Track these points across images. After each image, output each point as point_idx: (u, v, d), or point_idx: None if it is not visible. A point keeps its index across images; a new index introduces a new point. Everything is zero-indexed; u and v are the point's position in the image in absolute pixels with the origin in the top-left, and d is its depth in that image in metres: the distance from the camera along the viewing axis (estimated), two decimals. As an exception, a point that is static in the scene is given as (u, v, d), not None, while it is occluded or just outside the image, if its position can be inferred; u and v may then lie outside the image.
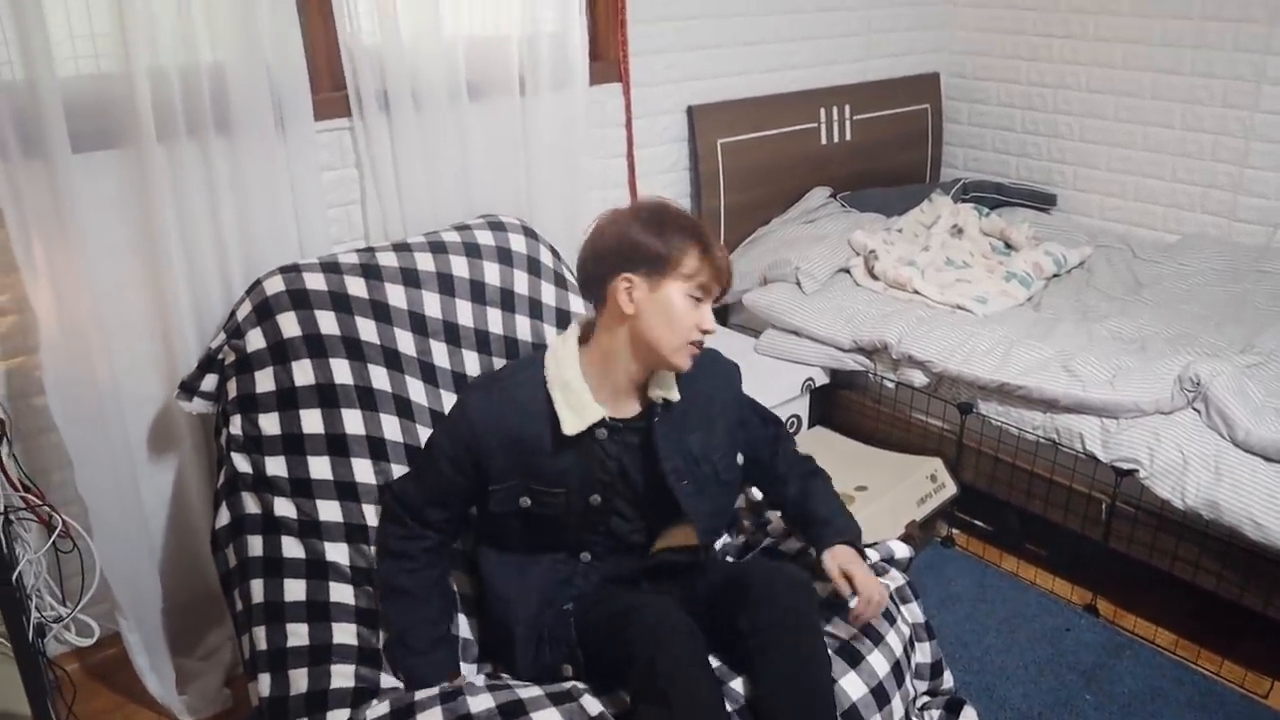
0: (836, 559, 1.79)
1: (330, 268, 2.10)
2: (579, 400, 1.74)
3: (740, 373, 1.96)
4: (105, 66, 1.99)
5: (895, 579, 2.01)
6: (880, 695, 1.74)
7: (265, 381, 1.99)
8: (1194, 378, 2.31)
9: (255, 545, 1.90)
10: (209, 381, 2.06)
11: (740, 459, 1.98)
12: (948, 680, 2.09)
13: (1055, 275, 3.12)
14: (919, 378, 2.71)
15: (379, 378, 2.04)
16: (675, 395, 1.81)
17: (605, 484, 1.80)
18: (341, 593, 1.84)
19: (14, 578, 1.47)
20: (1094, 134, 3.52)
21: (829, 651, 1.71)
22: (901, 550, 2.04)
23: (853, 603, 1.74)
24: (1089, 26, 3.45)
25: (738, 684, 1.67)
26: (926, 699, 2.01)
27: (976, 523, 2.78)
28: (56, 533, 1.79)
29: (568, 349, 1.80)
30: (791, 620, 1.65)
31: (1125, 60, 3.39)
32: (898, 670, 1.81)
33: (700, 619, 1.67)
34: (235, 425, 1.98)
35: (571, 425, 1.73)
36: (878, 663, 1.77)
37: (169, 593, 2.26)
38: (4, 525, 1.76)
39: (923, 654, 2.00)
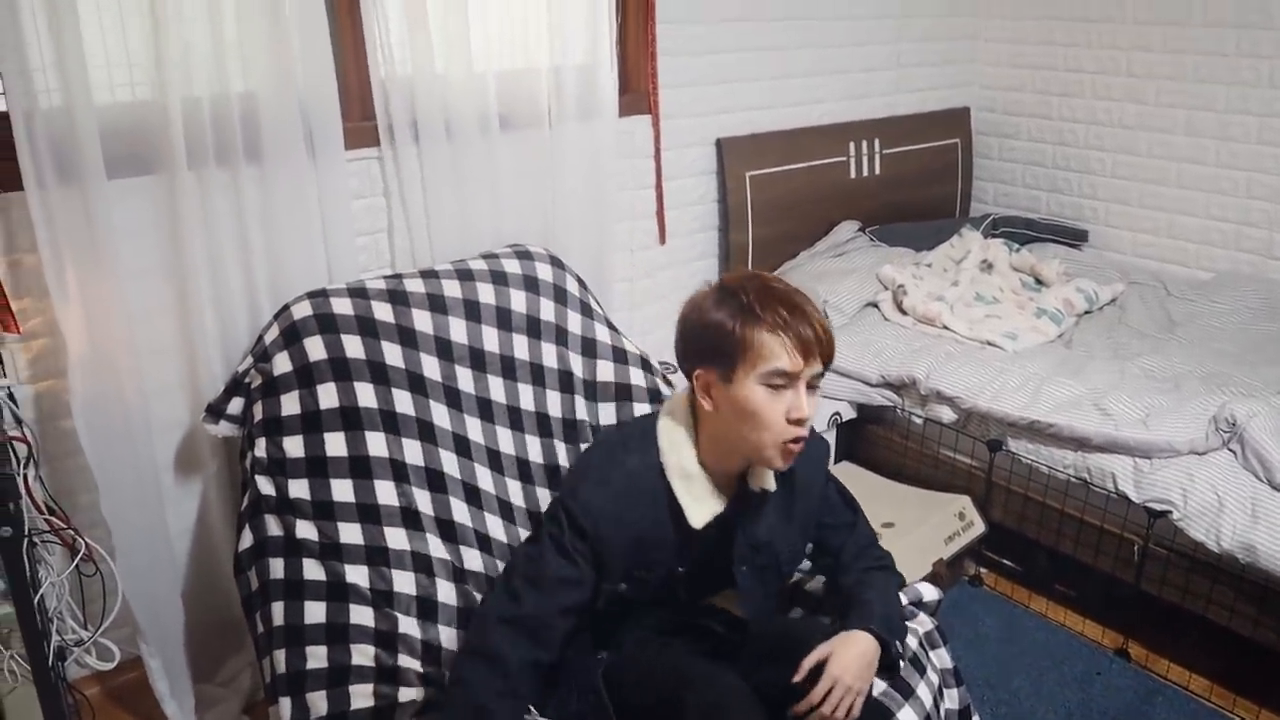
0: (843, 640, 1.59)
1: (358, 293, 2.11)
2: (702, 491, 1.62)
3: (829, 451, 1.84)
4: (140, 94, 2.02)
5: (924, 623, 1.97)
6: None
7: (290, 404, 2.00)
8: (1229, 418, 2.27)
9: (277, 568, 1.90)
10: (235, 405, 2.07)
11: (810, 546, 1.88)
12: (974, 726, 2.05)
13: (1087, 312, 3.08)
14: (947, 414, 2.68)
15: (403, 401, 2.04)
16: (772, 485, 1.67)
17: (694, 560, 1.69)
18: (361, 615, 1.83)
19: (36, 602, 1.47)
20: (1126, 170, 3.49)
21: None
22: (930, 593, 2.00)
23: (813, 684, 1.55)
24: (1121, 62, 3.43)
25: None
26: (953, 743, 1.97)
27: (1005, 562, 2.73)
28: (80, 556, 1.80)
29: (680, 434, 1.64)
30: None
31: (1158, 96, 3.36)
32: (933, 723, 1.77)
33: (744, 670, 1.63)
34: (260, 448, 1.99)
35: (699, 518, 1.61)
36: (908, 718, 1.73)
37: (190, 618, 2.26)
38: (28, 548, 1.76)
39: (951, 700, 1.95)
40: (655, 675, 1.63)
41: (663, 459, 1.62)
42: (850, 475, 2.88)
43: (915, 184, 3.65)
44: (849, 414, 2.88)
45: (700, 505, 1.62)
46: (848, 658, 1.56)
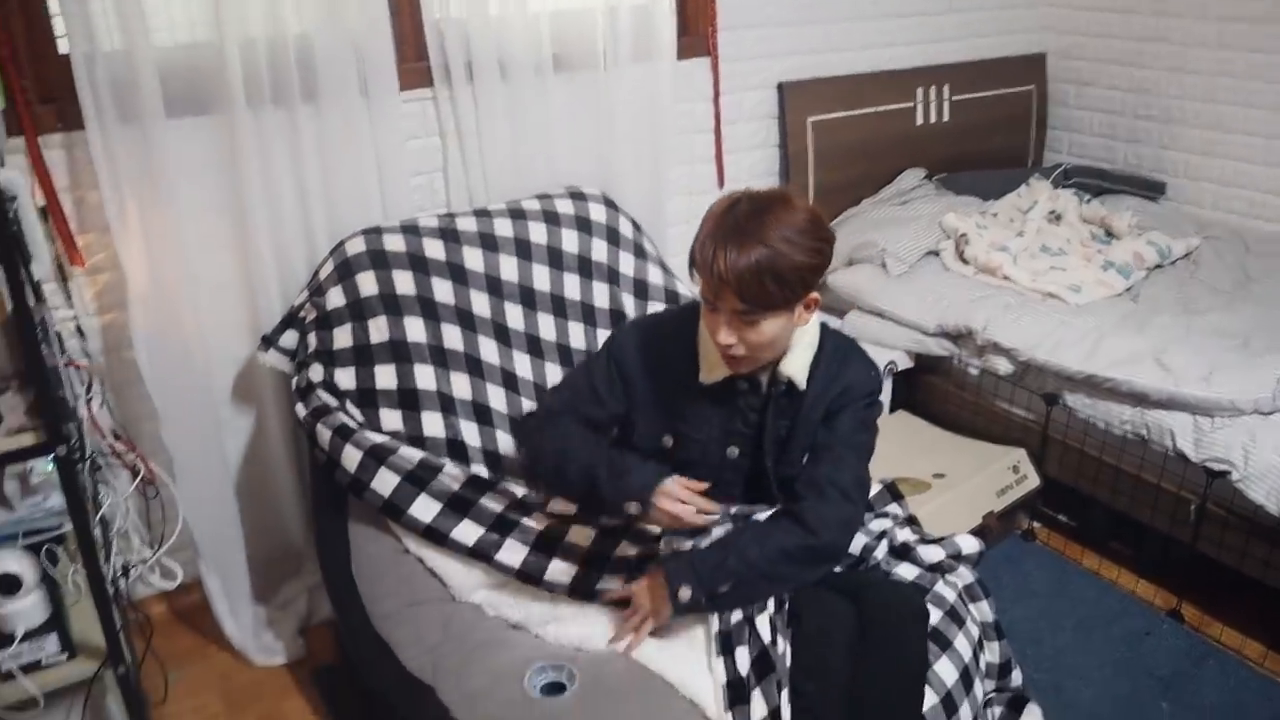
0: (644, 580, 1.75)
1: (410, 230, 2.15)
2: (715, 358, 1.76)
3: (872, 376, 1.83)
4: (198, 36, 2.06)
5: (964, 576, 1.95)
6: (949, 705, 1.70)
7: (343, 338, 2.06)
8: (1296, 377, 2.19)
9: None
10: (289, 338, 2.13)
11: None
12: (1016, 679, 2.02)
13: (1158, 266, 2.98)
14: (1004, 365, 2.63)
15: (452, 337, 2.09)
16: (801, 381, 1.77)
17: (745, 438, 1.81)
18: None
19: (94, 520, 1.54)
20: (1211, 120, 3.33)
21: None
22: (970, 545, 1.98)
23: None
24: (1209, 6, 3.26)
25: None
26: (992, 695, 1.96)
27: (1060, 517, 2.68)
28: (140, 479, 1.88)
29: None
30: (901, 631, 1.68)
31: (1248, 41, 3.20)
32: (966, 677, 1.76)
33: None
34: (315, 373, 2.05)
35: (706, 375, 1.78)
36: (946, 671, 1.72)
37: (248, 544, 2.35)
38: (90, 469, 1.86)
39: (991, 654, 1.94)
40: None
41: (702, 324, 1.76)
42: (905, 425, 2.85)
43: (985, 132, 3.55)
44: (905, 363, 2.84)
45: (709, 368, 1.77)
46: (639, 588, 1.75)
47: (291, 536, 2.48)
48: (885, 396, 2.87)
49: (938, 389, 2.88)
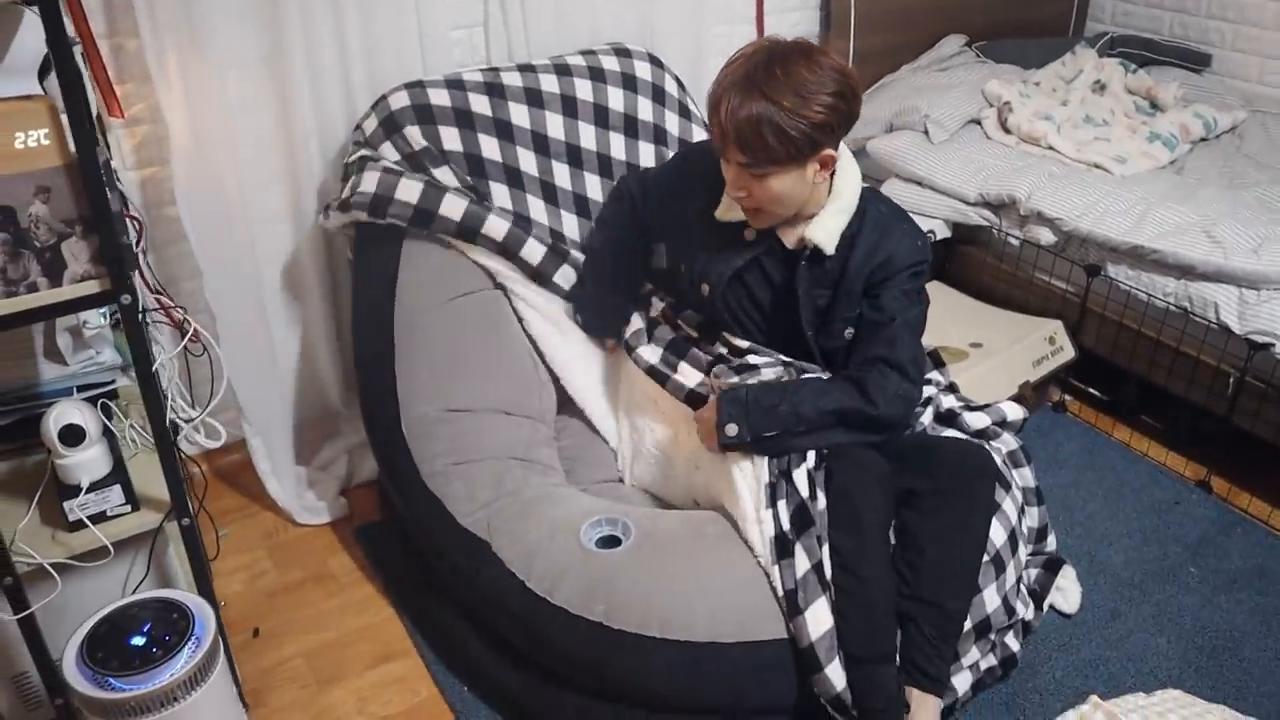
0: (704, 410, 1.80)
1: (455, 85, 2.09)
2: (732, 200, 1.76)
3: (918, 246, 1.78)
4: None
5: (1008, 442, 1.97)
6: (998, 564, 1.75)
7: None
8: (1349, 250, 2.17)
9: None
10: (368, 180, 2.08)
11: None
12: (1051, 543, 2.08)
13: (1203, 139, 2.93)
14: (1046, 236, 2.60)
15: (500, 195, 2.05)
16: (829, 246, 1.73)
17: (770, 296, 1.83)
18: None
19: (154, 369, 1.53)
20: (1260, -13, 3.23)
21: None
22: (1015, 412, 2.00)
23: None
24: None
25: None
26: (1029, 558, 2.00)
27: (1091, 390, 2.70)
28: (188, 336, 1.86)
29: None
30: (969, 494, 1.72)
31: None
32: (1013, 539, 1.80)
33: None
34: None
35: (722, 212, 1.80)
36: (995, 532, 1.76)
37: (290, 405, 2.36)
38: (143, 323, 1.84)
39: (1031, 518, 1.99)
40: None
41: None
42: (942, 295, 2.84)
43: (1028, -2, 3.44)
44: (943, 233, 2.81)
45: (729, 209, 1.79)
46: (701, 412, 1.79)
47: (330, 398, 2.49)
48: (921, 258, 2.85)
49: (975, 259, 2.86)
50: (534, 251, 2.02)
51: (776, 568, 1.63)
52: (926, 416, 1.94)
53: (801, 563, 1.60)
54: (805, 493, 1.67)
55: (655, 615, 1.60)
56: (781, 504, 1.67)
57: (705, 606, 1.61)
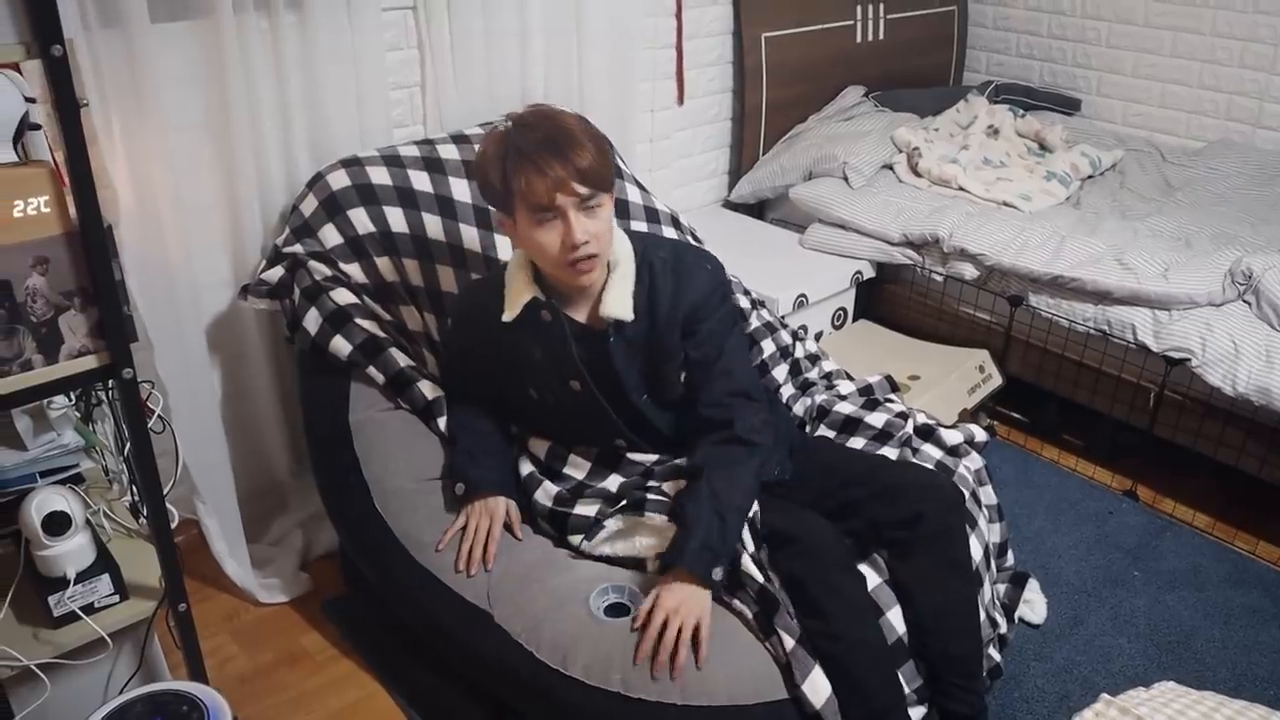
0: (665, 587, 1.59)
1: (393, 161, 2.10)
2: (517, 290, 1.69)
3: (711, 273, 1.74)
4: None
5: (975, 461, 2.07)
6: (976, 579, 1.81)
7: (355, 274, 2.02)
8: (1246, 270, 2.38)
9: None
10: (273, 275, 2.04)
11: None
12: (1010, 558, 2.18)
13: (1090, 176, 3.16)
14: (969, 271, 2.75)
15: (446, 278, 2.07)
16: (627, 315, 1.67)
17: (585, 374, 1.72)
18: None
19: (121, 454, 1.45)
20: (1121, 39, 3.52)
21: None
22: (981, 434, 2.10)
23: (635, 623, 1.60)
24: (1120, -72, 3.44)
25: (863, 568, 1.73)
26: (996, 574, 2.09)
27: (1014, 415, 2.85)
28: (158, 411, 1.77)
29: (519, 258, 1.73)
30: (946, 533, 1.73)
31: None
32: (987, 554, 1.88)
33: (823, 505, 1.74)
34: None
35: (507, 313, 1.70)
36: (974, 549, 1.82)
37: (238, 479, 2.25)
38: (93, 404, 1.75)
39: (993, 534, 2.07)
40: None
41: (506, 271, 1.73)
42: (869, 332, 2.95)
43: (914, 51, 3.65)
44: (869, 272, 2.93)
45: (513, 304, 1.69)
46: (667, 604, 1.57)
47: (278, 471, 2.40)
48: (849, 305, 2.97)
49: (900, 296, 2.99)
50: (417, 396, 1.95)
51: (769, 644, 1.62)
52: (909, 427, 2.05)
53: (787, 640, 1.59)
54: (760, 578, 1.64)
55: (675, 682, 1.56)
56: (743, 594, 1.65)
57: (722, 670, 1.58)
